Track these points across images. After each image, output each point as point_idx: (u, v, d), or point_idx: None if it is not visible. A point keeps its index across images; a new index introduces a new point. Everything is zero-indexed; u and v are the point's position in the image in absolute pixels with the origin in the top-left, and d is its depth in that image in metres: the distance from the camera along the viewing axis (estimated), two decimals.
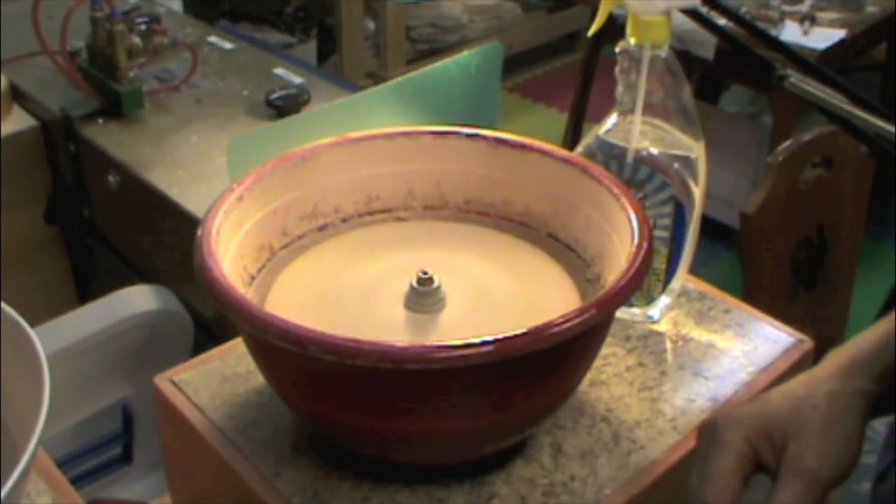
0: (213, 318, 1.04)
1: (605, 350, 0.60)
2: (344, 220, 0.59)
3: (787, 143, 1.19)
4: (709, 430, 0.45)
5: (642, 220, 0.50)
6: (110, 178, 1.11)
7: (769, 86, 0.61)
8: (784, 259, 1.24)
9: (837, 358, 0.47)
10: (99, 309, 1.00)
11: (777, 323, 0.63)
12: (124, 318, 1.00)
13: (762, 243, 1.19)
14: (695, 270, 0.65)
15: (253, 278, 0.54)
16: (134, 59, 1.18)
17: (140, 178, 1.08)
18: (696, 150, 0.59)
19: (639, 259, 0.48)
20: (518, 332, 0.43)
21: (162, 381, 0.58)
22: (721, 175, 1.79)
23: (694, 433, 0.54)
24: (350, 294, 0.53)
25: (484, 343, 0.42)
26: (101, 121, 1.17)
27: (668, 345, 0.61)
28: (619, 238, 0.51)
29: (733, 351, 0.60)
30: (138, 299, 1.02)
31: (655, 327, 0.62)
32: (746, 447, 0.44)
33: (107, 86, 1.17)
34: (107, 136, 1.15)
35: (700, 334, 0.62)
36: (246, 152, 0.71)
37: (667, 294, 0.62)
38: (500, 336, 0.42)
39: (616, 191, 0.53)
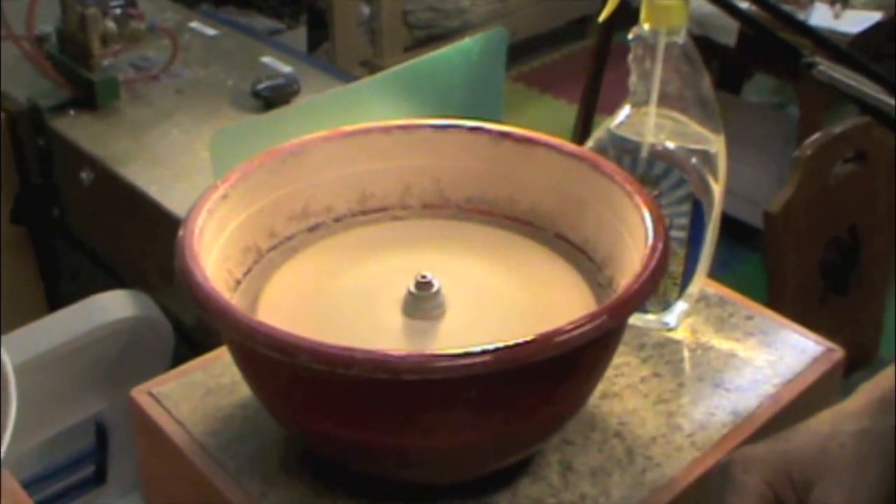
0: (195, 325, 1.05)
1: (617, 359, 0.60)
2: (336, 220, 0.59)
3: (815, 136, 1.20)
4: (725, 472, 0.44)
5: (657, 220, 0.51)
6: (83, 175, 1.12)
7: (796, 74, 0.62)
8: (812, 261, 1.24)
9: (867, 392, 0.45)
10: (70, 316, 1.01)
11: (804, 330, 0.63)
12: (98, 325, 1.00)
13: (789, 244, 1.20)
14: (715, 274, 0.65)
15: (238, 282, 0.54)
16: (108, 45, 1.18)
17: (116, 175, 1.08)
18: (716, 143, 0.59)
19: (654, 261, 0.48)
20: (524, 339, 0.43)
21: (139, 393, 0.58)
22: (743, 171, 1.79)
23: (714, 449, 0.55)
24: (343, 299, 0.54)
25: (487, 352, 0.42)
26: (72, 113, 1.18)
27: (686, 354, 0.61)
28: (633, 239, 0.52)
29: (757, 361, 0.61)
30: (114, 305, 1.02)
31: (672, 335, 0.62)
32: (766, 490, 0.43)
33: (79, 74, 1.17)
34: (79, 130, 1.15)
35: (720, 343, 0.62)
36: (231, 147, 0.72)
37: (684, 299, 0.62)
38: (504, 344, 0.43)
39: (629, 188, 0.53)
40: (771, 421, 0.57)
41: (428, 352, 0.43)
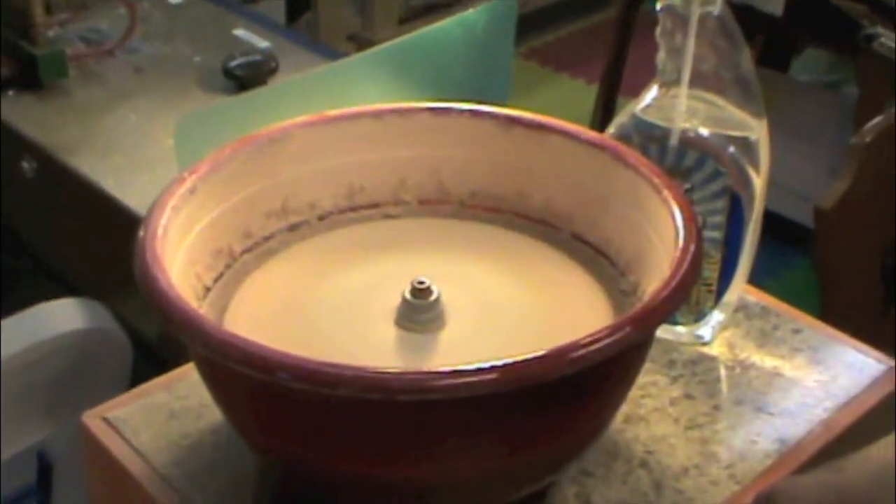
0: (157, 338, 1.05)
1: (643, 378, 0.60)
2: (321, 218, 0.59)
3: (876, 121, 1.20)
4: None
5: (689, 218, 0.51)
6: (25, 165, 1.12)
7: (854, 48, 0.62)
8: (871, 266, 1.24)
9: None
10: (11, 328, 1.01)
11: (862, 346, 0.63)
12: (44, 339, 1.00)
13: (844, 246, 1.20)
14: (756, 280, 0.65)
15: (208, 290, 0.54)
16: (54, 13, 1.18)
17: (64, 166, 1.08)
18: (758, 129, 0.60)
19: (685, 265, 0.48)
20: (535, 354, 0.43)
21: (91, 418, 0.58)
22: (791, 160, 1.80)
23: (755, 483, 0.55)
24: (329, 309, 0.54)
25: (493, 368, 0.42)
26: (11, 92, 1.18)
27: (723, 372, 0.61)
28: (661, 240, 0.52)
29: (806, 381, 0.61)
30: (62, 316, 1.02)
31: (706, 350, 0.63)
32: None
33: (19, 48, 1.17)
34: (20, 112, 1.15)
35: (763, 360, 0.62)
36: (199, 134, 0.72)
37: (720, 309, 0.62)
38: (513, 360, 0.43)
39: (657, 181, 0.53)
40: (822, 450, 0.57)
41: (426, 368, 0.44)
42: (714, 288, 0.61)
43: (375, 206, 0.60)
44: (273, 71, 1.19)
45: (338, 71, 0.79)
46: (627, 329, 0.45)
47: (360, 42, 2.33)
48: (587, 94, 2.23)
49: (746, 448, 0.57)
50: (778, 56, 2.17)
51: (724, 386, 0.60)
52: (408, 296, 0.52)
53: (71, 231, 1.14)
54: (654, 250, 0.52)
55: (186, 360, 0.58)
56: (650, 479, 0.55)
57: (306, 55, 1.25)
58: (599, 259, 0.57)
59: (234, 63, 1.18)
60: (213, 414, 0.56)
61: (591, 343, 0.44)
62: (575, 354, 0.44)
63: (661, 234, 0.52)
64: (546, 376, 0.43)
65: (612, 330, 0.45)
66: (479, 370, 0.42)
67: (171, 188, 0.53)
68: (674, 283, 0.47)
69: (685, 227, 0.50)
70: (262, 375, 0.43)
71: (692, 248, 0.49)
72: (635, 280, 0.54)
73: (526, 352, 0.43)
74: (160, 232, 0.50)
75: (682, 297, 0.48)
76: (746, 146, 0.59)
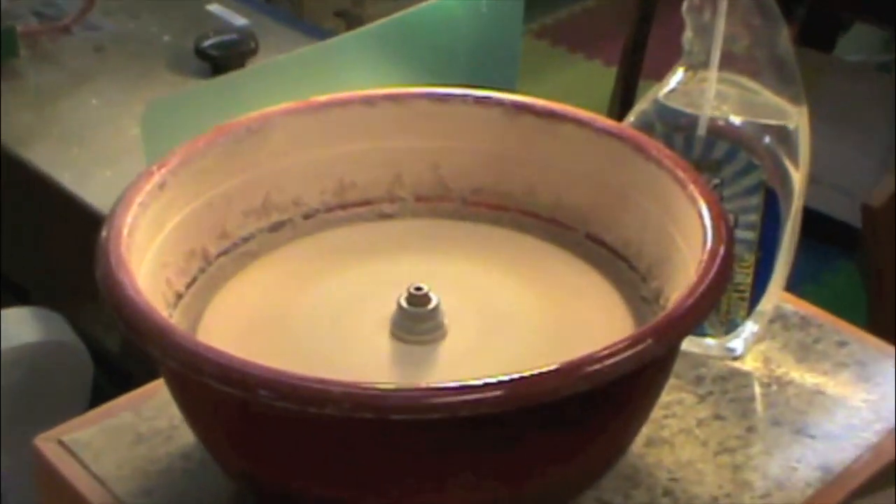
0: (121, 352, 1.05)
1: (667, 396, 0.60)
2: (307, 217, 0.59)
3: None
4: None
5: (718, 216, 0.51)
6: None
7: None
8: None
9: None
10: None
11: None
12: None
13: (895, 248, 1.20)
14: (795, 286, 0.65)
15: (180, 297, 0.54)
16: None
17: (15, 157, 1.08)
18: (797, 117, 0.60)
19: (714, 269, 0.48)
20: (546, 368, 0.43)
21: (46, 441, 0.58)
22: (835, 152, 1.80)
23: None
24: (315, 319, 0.54)
25: (499, 384, 0.42)
26: None
27: (758, 390, 0.61)
28: (686, 241, 0.52)
29: (852, 400, 0.61)
30: (14, 327, 1.02)
31: (739, 365, 0.63)
32: None
33: None
34: None
35: (803, 376, 0.62)
36: (168, 122, 0.72)
37: (754, 319, 0.62)
38: (520, 374, 0.43)
39: (682, 176, 0.53)
40: (871, 479, 0.57)
41: (423, 384, 0.43)
42: (747, 295, 0.61)
43: (368, 203, 0.60)
44: (252, 52, 1.19)
45: (324, 52, 0.79)
46: (649, 341, 0.45)
47: (350, 19, 2.33)
48: (604, 77, 2.23)
49: (784, 476, 0.57)
50: (821, 33, 2.16)
51: (758, 405, 0.60)
52: (404, 304, 0.52)
53: (24, 231, 1.14)
54: (679, 253, 0.52)
55: (155, 377, 0.58)
56: None
57: (289, 34, 1.25)
58: (618, 262, 0.57)
59: (207, 42, 1.18)
60: (185, 436, 0.56)
61: (608, 356, 0.44)
62: (590, 369, 0.44)
63: (687, 234, 0.52)
64: (558, 393, 0.43)
65: (632, 342, 0.45)
66: (483, 386, 0.42)
67: (138, 183, 0.53)
68: (701, 290, 0.47)
69: (714, 226, 0.50)
70: (241, 393, 0.43)
71: (722, 250, 0.49)
72: (658, 286, 0.54)
73: (535, 366, 0.43)
74: (125, 232, 0.50)
75: (711, 305, 0.48)
76: (784, 136, 0.59)
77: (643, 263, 0.56)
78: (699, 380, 0.62)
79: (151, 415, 0.59)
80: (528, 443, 0.46)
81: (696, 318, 0.47)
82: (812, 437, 0.59)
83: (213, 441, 0.51)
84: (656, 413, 0.57)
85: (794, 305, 0.66)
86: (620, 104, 1.96)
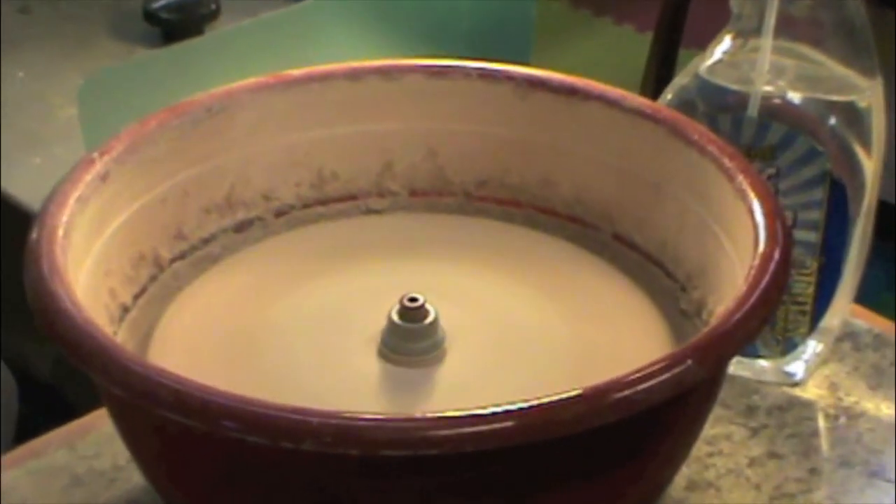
0: (53, 377, 1.05)
1: (712, 430, 0.60)
2: (279, 214, 0.60)
3: None
4: None
5: (773, 213, 0.51)
6: None
7: None
8: None
9: None
10: None
11: None
12: None
13: None
14: (868, 298, 0.66)
15: (126, 310, 0.54)
16: None
17: None
18: (869, 93, 0.60)
19: (767, 278, 0.48)
20: (566, 395, 0.43)
21: None
22: None
23: None
24: (289, 336, 0.54)
25: (509, 414, 0.42)
26: None
27: (822, 423, 0.61)
28: (734, 243, 0.52)
29: None
30: None
31: (799, 393, 0.63)
32: None
33: None
34: None
35: (878, 407, 0.62)
36: (111, 100, 0.72)
37: (817, 337, 0.63)
38: (535, 402, 0.42)
39: (729, 165, 0.53)
40: None
41: (418, 414, 0.43)
42: (808, 308, 0.61)
43: (352, 198, 0.60)
44: (211, 15, 1.19)
45: (299, 16, 0.79)
46: (689, 362, 0.45)
47: None
48: (637, 45, 2.21)
49: None
50: None
51: (823, 442, 0.60)
52: (395, 318, 0.52)
53: None
54: (726, 257, 0.52)
55: (95, 406, 0.57)
56: None
57: None
58: (651, 268, 0.57)
59: (158, 4, 1.18)
60: (132, 477, 0.56)
61: (640, 381, 0.44)
62: (618, 396, 0.43)
63: (735, 235, 0.52)
64: (580, 425, 0.43)
65: (669, 363, 0.44)
66: (490, 416, 0.42)
67: (75, 174, 0.52)
68: (752, 301, 0.47)
69: (767, 225, 0.50)
70: (201, 425, 0.43)
71: (777, 253, 0.49)
72: (700, 296, 0.54)
73: (553, 392, 0.43)
74: (60, 233, 0.50)
75: (764, 320, 0.48)
76: (853, 116, 0.59)
77: (682, 270, 0.56)
78: (751, 410, 0.62)
79: (90, 452, 0.59)
80: (544, 485, 0.46)
81: (746, 336, 0.47)
82: (888, 480, 0.59)
83: (167, 484, 0.50)
84: (699, 450, 0.57)
85: (866, 321, 0.66)
86: (656, 79, 1.95)
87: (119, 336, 0.52)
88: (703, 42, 0.61)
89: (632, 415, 0.44)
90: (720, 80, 0.59)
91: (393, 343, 0.52)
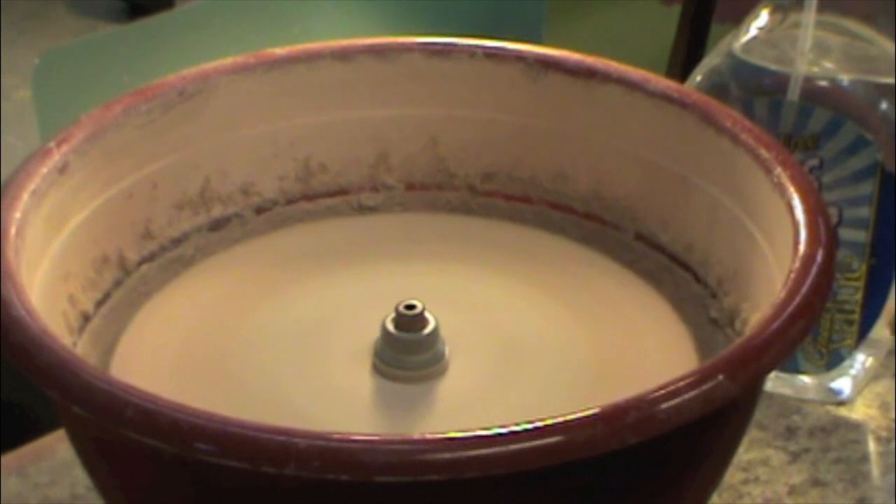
0: (7, 395, 1.04)
1: (747, 454, 0.60)
2: (260, 211, 0.59)
3: None
4: None
5: (815, 210, 0.50)
6: None
7: None
8: None
9: None
10: None
11: None
12: None
13: None
14: None
15: (88, 318, 0.54)
16: None
17: None
18: None
19: (808, 282, 0.47)
20: (581, 414, 0.42)
21: None
22: None
23: None
24: (271, 348, 0.54)
25: (517, 434, 0.42)
26: None
27: (872, 447, 0.62)
28: (771, 243, 0.52)
29: None
30: None
31: (845, 413, 0.63)
32: None
33: None
34: None
35: None
36: (71, 81, 0.71)
37: (866, 350, 0.63)
38: (546, 423, 0.42)
39: (766, 155, 0.53)
40: None
41: (417, 435, 0.43)
42: (856, 317, 0.61)
43: (343, 192, 0.60)
44: None
45: None
46: (720, 377, 0.44)
47: None
48: (663, 20, 2.23)
49: None
50: None
51: (873, 468, 0.61)
52: (390, 327, 0.52)
53: None
54: (762, 259, 0.52)
55: (52, 428, 0.58)
56: None
57: None
58: (678, 271, 0.57)
59: None
60: None
61: (664, 398, 0.43)
62: (640, 415, 0.43)
63: (772, 234, 0.52)
64: (598, 448, 0.43)
65: (698, 379, 0.44)
66: (496, 438, 0.42)
67: (30, 165, 0.52)
68: (791, 309, 0.47)
69: (809, 223, 0.50)
70: (172, 447, 0.43)
71: (820, 255, 0.49)
72: (732, 303, 0.54)
73: (566, 411, 0.43)
74: (13, 232, 0.50)
75: (805, 331, 0.47)
76: None
77: (712, 274, 0.55)
78: (791, 432, 0.62)
79: (47, 478, 0.59)
80: None
81: (785, 348, 0.46)
82: None
83: None
84: (732, 477, 0.57)
85: None
86: (685, 58, 1.96)
87: (79, 348, 0.52)
88: (738, 16, 0.61)
89: (655, 437, 0.43)
90: (756, 60, 0.60)
91: (388, 356, 0.52)
